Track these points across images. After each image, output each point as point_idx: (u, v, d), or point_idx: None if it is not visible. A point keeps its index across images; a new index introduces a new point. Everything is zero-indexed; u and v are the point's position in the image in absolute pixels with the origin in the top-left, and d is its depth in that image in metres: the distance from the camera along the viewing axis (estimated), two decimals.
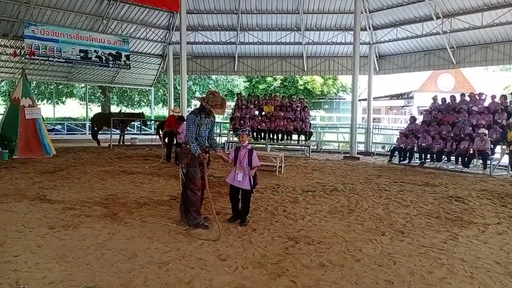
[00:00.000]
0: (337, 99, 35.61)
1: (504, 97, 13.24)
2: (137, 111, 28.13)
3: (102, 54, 18.74)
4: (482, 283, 3.78)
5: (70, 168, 10.32)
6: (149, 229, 5.16)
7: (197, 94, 31.83)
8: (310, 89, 32.49)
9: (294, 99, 17.75)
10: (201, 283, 3.60)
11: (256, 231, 5.20)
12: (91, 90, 29.02)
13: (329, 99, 35.14)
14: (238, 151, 5.51)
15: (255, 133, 16.12)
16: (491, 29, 15.72)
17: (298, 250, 4.55)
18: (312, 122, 17.90)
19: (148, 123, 23.14)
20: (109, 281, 3.59)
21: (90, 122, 19.70)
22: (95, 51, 18.43)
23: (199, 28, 20.25)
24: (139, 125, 22.13)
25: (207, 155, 5.39)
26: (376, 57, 19.86)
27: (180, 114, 12.85)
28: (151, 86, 25.13)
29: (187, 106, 22.99)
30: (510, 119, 12.09)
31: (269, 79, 32.67)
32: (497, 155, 12.09)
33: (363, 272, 3.96)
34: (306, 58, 20.76)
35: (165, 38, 20.96)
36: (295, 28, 19.76)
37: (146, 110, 29.14)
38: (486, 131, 11.80)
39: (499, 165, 12.01)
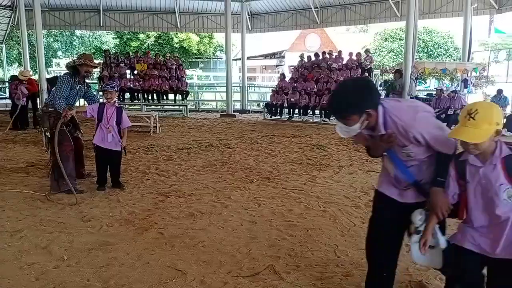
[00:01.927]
0: (214, 58, 35.50)
1: (359, 54, 14.73)
2: None
3: None
4: (333, 215, 4.30)
5: None
6: (0, 198, 4.61)
7: (60, 53, 28.62)
8: (186, 48, 31.70)
9: (169, 57, 17.15)
10: (60, 246, 3.38)
11: (125, 190, 5.04)
12: None
13: (206, 58, 34.84)
14: (104, 109, 4.98)
15: (127, 94, 15.28)
16: None
17: (168, 204, 4.57)
18: (188, 81, 17.61)
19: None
20: None
21: None
22: None
23: None
24: None
25: (72, 112, 4.90)
26: (248, 15, 20.07)
27: (29, 77, 11.32)
28: (2, 43, 21.63)
29: (48, 66, 20.62)
30: (365, 74, 13.61)
31: (141, 36, 30.73)
32: None
33: (229, 217, 4.17)
34: (179, 14, 19.93)
35: None
36: None
37: None
38: None
39: None
